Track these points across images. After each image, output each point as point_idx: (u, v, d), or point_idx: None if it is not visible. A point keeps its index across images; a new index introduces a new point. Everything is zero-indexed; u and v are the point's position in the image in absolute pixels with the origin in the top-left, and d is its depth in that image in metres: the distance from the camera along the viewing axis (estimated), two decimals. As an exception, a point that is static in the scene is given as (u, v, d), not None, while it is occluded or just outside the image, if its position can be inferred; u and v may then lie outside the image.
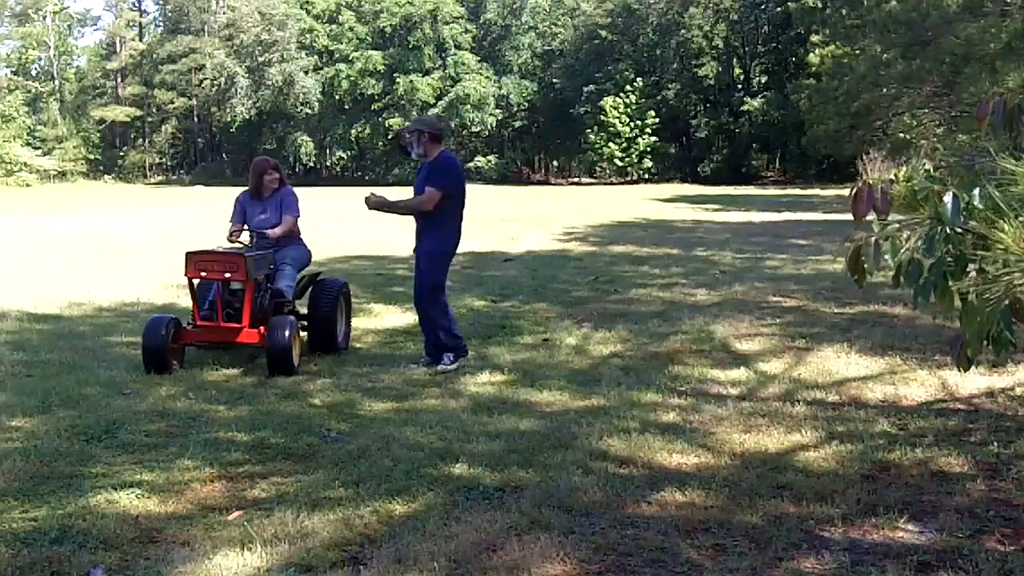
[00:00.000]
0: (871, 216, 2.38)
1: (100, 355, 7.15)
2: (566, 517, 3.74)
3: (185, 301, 8.52)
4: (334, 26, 56.00)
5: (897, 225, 2.20)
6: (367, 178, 55.15)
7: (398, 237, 17.71)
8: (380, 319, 8.71)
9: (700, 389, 5.87)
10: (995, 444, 4.58)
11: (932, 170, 2.26)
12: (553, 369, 6.55)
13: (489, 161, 54.33)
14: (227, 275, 6.44)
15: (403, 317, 8.61)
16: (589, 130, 50.34)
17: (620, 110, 49.01)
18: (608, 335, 7.64)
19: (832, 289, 9.92)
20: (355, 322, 8.61)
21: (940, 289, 2.06)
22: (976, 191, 2.04)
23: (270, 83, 53.94)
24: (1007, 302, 2.04)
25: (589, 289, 10.52)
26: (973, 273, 2.07)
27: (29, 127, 57.75)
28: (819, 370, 6.27)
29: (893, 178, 2.22)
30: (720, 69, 51.37)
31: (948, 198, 2.05)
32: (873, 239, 2.11)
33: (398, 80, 52.52)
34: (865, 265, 2.16)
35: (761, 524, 3.67)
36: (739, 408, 5.38)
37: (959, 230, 2.10)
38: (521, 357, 6.96)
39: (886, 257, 2.17)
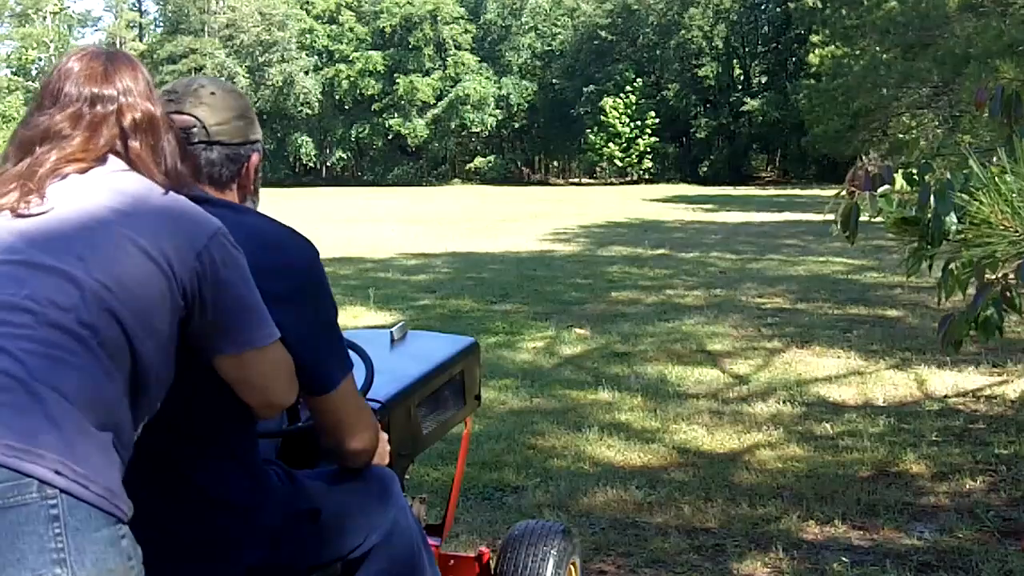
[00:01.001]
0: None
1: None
2: (566, 517, 3.74)
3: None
4: (334, 26, 56.01)
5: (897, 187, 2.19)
6: (367, 178, 55.18)
7: (399, 239, 17.75)
8: (379, 320, 8.72)
9: (705, 390, 5.87)
10: (995, 444, 4.58)
11: (931, 160, 2.27)
12: (553, 369, 6.55)
13: (489, 161, 54.34)
14: None
15: (398, 317, 8.61)
16: (589, 130, 50.32)
17: (620, 110, 48.99)
18: (607, 336, 7.64)
19: (832, 290, 9.92)
20: (355, 323, 8.62)
21: (936, 241, 2.03)
22: (972, 169, 2.04)
23: (270, 83, 53.95)
24: (996, 289, 2.04)
25: (587, 290, 10.52)
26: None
27: (29, 127, 57.72)
28: (818, 370, 6.26)
29: (890, 164, 2.22)
30: (720, 69, 51.33)
31: (946, 175, 2.05)
32: (868, 193, 2.11)
33: (398, 80, 52.54)
34: (862, 213, 2.13)
35: (761, 524, 3.67)
36: (738, 410, 5.38)
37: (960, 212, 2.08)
38: (522, 358, 6.95)
39: (884, 205, 2.14)
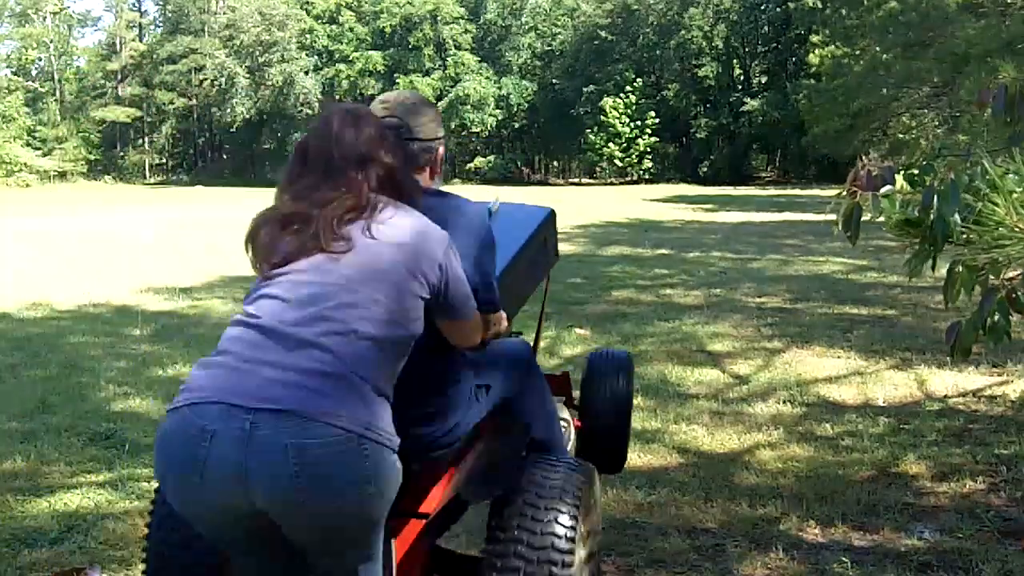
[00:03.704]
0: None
1: (101, 355, 7.14)
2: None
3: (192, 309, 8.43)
4: (334, 26, 56.02)
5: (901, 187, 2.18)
6: (367, 178, 55.13)
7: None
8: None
9: (705, 390, 5.87)
10: (995, 444, 4.58)
11: (933, 161, 2.26)
12: (553, 369, 6.54)
13: (489, 161, 54.35)
14: None
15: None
16: (589, 130, 50.35)
17: (620, 110, 49.00)
18: (608, 336, 7.63)
19: (832, 290, 9.92)
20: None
21: (940, 243, 2.01)
22: (978, 169, 2.03)
23: (270, 83, 53.96)
24: (1002, 293, 2.03)
25: (587, 290, 10.51)
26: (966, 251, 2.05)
27: (29, 127, 57.74)
28: (818, 370, 6.26)
29: (891, 165, 2.22)
30: (720, 69, 51.36)
31: (950, 175, 2.03)
32: (871, 193, 2.10)
33: (398, 80, 52.53)
34: (863, 216, 2.11)
35: (762, 524, 3.67)
36: (739, 410, 5.38)
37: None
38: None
39: (887, 207, 2.12)
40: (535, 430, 2.83)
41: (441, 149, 2.51)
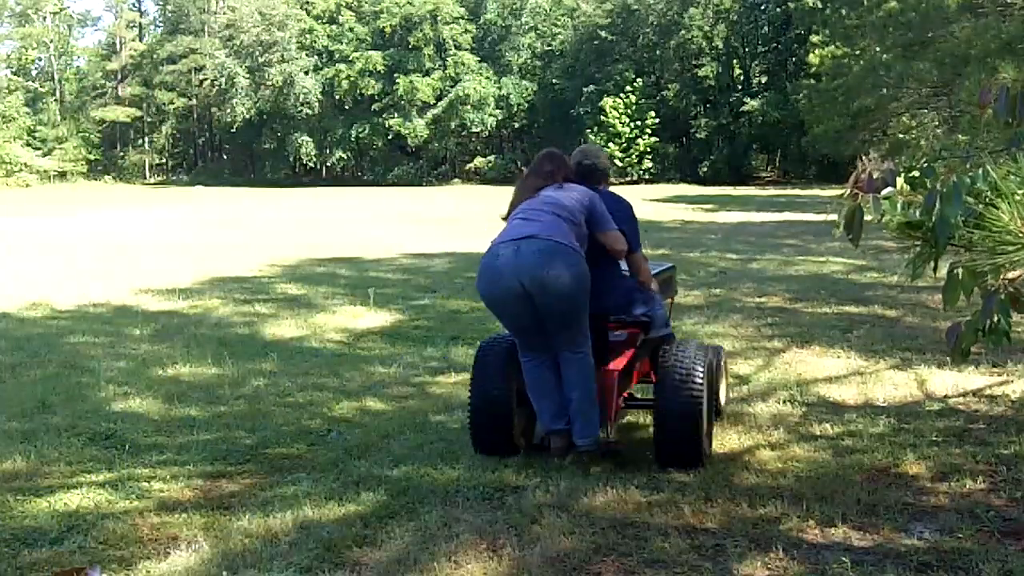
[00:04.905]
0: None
1: (101, 355, 7.15)
2: (566, 517, 3.74)
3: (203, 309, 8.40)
4: (334, 26, 55.94)
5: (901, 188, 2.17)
6: (367, 178, 55.16)
7: (399, 239, 17.74)
8: (380, 320, 8.72)
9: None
10: (996, 444, 4.58)
11: (932, 162, 2.25)
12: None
13: (489, 161, 54.30)
14: None
15: (397, 317, 8.58)
16: (589, 130, 50.23)
17: (620, 110, 48.91)
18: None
19: (832, 290, 9.92)
20: (355, 323, 8.60)
21: (941, 245, 2.00)
22: (980, 171, 2.02)
23: (270, 83, 53.89)
24: (1004, 295, 2.02)
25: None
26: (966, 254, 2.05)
27: (29, 128, 57.71)
28: (818, 370, 6.26)
29: (893, 168, 2.21)
30: (720, 69, 51.27)
31: (952, 178, 2.02)
32: (871, 195, 2.08)
33: (398, 80, 52.48)
34: (865, 217, 2.10)
35: (762, 524, 3.67)
36: (739, 410, 5.38)
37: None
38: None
39: (888, 209, 2.11)
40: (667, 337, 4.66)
41: (608, 172, 4.89)
